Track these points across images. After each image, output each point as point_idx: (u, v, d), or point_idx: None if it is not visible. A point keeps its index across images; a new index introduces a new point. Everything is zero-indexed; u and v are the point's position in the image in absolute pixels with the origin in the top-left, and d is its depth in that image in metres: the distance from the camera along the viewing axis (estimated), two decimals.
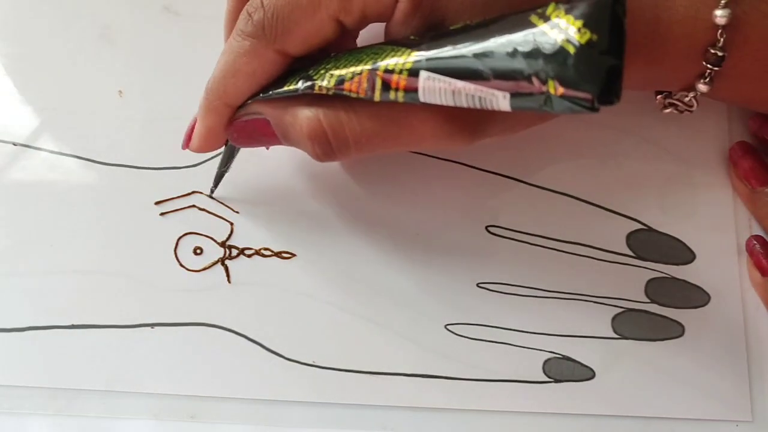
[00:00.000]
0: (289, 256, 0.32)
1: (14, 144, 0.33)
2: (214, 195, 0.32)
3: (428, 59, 0.22)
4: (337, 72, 0.24)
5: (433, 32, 0.24)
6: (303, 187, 0.33)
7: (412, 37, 0.24)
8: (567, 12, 0.19)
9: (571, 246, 0.32)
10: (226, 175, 0.32)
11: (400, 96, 0.22)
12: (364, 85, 0.23)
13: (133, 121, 0.33)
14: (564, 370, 0.31)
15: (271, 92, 0.26)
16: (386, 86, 0.23)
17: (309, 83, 0.24)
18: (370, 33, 0.28)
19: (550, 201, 0.33)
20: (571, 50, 0.19)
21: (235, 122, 0.27)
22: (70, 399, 0.30)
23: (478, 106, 0.21)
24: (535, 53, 0.19)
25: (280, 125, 0.26)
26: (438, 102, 0.22)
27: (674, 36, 0.26)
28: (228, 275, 0.31)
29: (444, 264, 0.32)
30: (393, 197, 0.32)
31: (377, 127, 0.24)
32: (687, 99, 0.29)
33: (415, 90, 0.22)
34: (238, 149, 0.31)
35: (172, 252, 0.32)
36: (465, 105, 0.22)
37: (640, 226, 0.32)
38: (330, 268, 0.32)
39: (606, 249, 0.32)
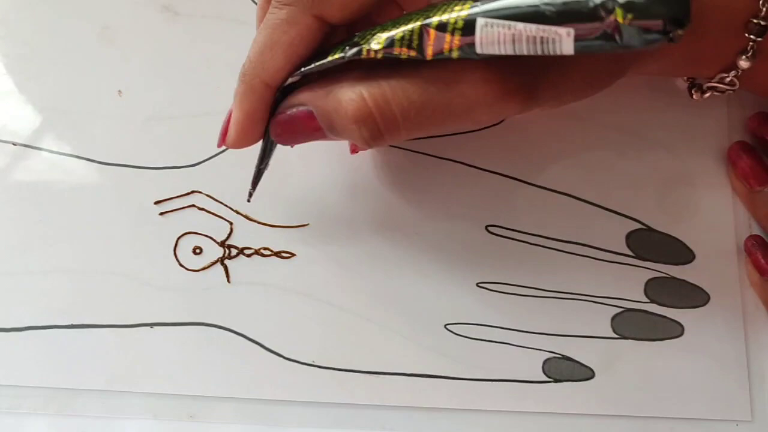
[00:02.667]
0: (288, 255, 0.32)
1: (14, 144, 0.33)
2: (250, 198, 0.30)
3: (485, 9, 0.21)
4: (386, 34, 0.23)
5: None
6: (303, 186, 0.33)
7: None
8: None
9: (571, 246, 0.32)
10: (227, 171, 0.31)
11: (455, 51, 0.21)
12: (416, 42, 0.22)
13: (133, 121, 0.33)
14: (563, 370, 0.31)
15: (313, 65, 0.25)
16: (440, 40, 0.21)
17: (356, 49, 0.23)
18: None
19: (550, 201, 0.33)
20: None
21: (278, 117, 0.26)
22: (69, 399, 0.30)
23: (539, 51, 0.20)
24: None
25: (323, 114, 0.25)
26: (496, 52, 0.21)
27: (715, 7, 0.26)
28: (227, 275, 0.31)
29: (444, 264, 0.32)
30: (393, 197, 0.32)
31: (425, 98, 0.23)
32: (728, 79, 0.29)
33: (472, 43, 0.21)
34: (276, 144, 0.28)
35: (172, 252, 0.32)
36: (525, 52, 0.20)
37: (640, 226, 0.32)
38: (330, 268, 0.32)
39: (605, 249, 0.32)
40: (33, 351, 0.30)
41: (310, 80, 0.26)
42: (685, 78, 0.32)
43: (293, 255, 0.32)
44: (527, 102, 0.24)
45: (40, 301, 0.31)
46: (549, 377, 0.31)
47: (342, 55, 0.24)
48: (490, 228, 0.32)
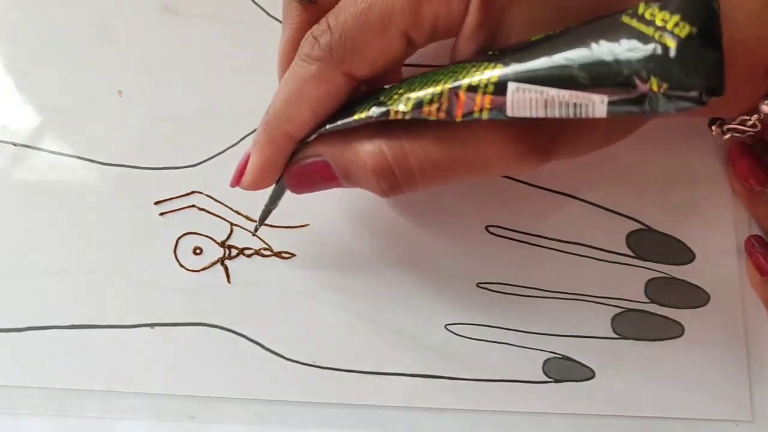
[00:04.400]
0: (288, 256, 0.32)
1: (14, 144, 0.33)
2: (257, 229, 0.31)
3: (516, 71, 0.21)
4: (414, 95, 0.23)
5: (512, 46, 0.23)
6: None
7: (490, 53, 0.23)
8: (661, 8, 0.19)
9: (571, 246, 0.32)
10: (227, 171, 0.31)
11: (485, 112, 0.21)
12: (445, 105, 0.22)
13: (133, 121, 0.33)
14: (564, 370, 0.31)
15: (339, 122, 0.25)
16: (470, 102, 0.21)
17: (383, 109, 0.23)
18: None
19: (550, 201, 0.33)
20: (672, 45, 0.18)
21: (294, 167, 0.26)
22: (69, 399, 0.30)
23: (571, 115, 0.20)
24: (633, 52, 0.19)
25: (341, 164, 0.25)
26: (527, 115, 0.21)
27: (736, 55, 0.25)
28: (228, 275, 0.31)
29: (444, 264, 0.32)
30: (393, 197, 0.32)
31: (443, 154, 0.24)
32: (749, 122, 0.28)
33: (502, 105, 0.21)
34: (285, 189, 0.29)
35: (172, 252, 0.32)
36: (557, 115, 0.21)
37: (640, 226, 0.33)
38: (330, 268, 0.32)
39: (606, 249, 0.32)
40: (33, 351, 0.30)
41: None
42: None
43: (293, 255, 0.32)
44: (544, 161, 0.24)
45: (40, 301, 0.31)
46: (549, 377, 0.31)
47: (369, 115, 0.24)
48: (490, 228, 0.32)
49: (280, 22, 0.29)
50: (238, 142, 0.33)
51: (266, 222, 0.31)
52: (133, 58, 0.34)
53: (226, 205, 0.32)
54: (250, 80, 0.33)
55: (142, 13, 0.35)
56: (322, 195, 0.32)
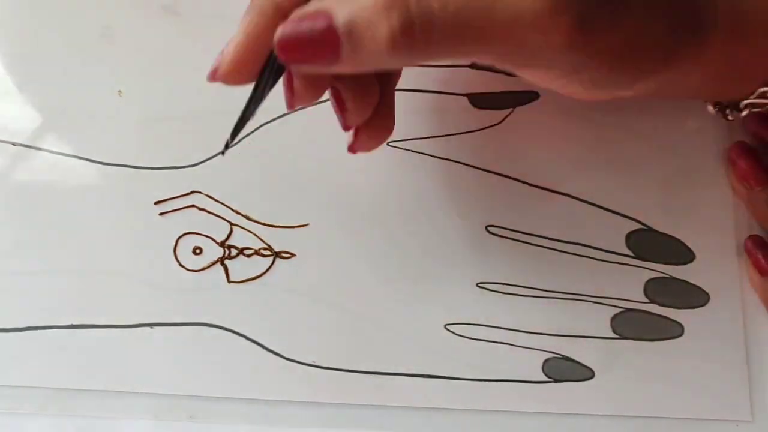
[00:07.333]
0: (288, 256, 0.32)
1: (14, 144, 0.33)
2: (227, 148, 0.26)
3: None
4: None
5: None
6: (302, 186, 0.33)
7: None
8: None
9: (571, 246, 0.32)
10: (227, 171, 0.31)
11: None
12: None
13: (133, 121, 0.33)
14: (563, 370, 0.31)
15: None
16: None
17: None
18: None
19: (549, 201, 0.33)
20: None
21: (287, 30, 0.21)
22: (69, 399, 0.30)
23: None
24: None
25: (344, 11, 0.21)
26: None
27: (757, 9, 0.24)
28: (227, 275, 0.31)
29: (444, 264, 0.32)
30: (392, 197, 0.32)
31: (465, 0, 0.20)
32: None
33: None
34: (269, 89, 0.24)
35: (172, 252, 0.32)
36: None
37: (640, 226, 0.32)
38: (330, 268, 0.32)
39: (605, 249, 0.32)
40: (33, 351, 0.30)
41: None
42: (714, 105, 0.30)
43: (293, 255, 0.32)
44: (578, 32, 0.21)
45: (40, 301, 0.31)
46: (549, 377, 0.31)
47: None
48: (489, 228, 0.32)
49: None
50: (238, 141, 0.33)
51: (266, 222, 0.31)
52: (133, 58, 0.34)
53: (226, 205, 0.32)
54: None
55: (142, 13, 0.35)
56: (323, 195, 0.32)
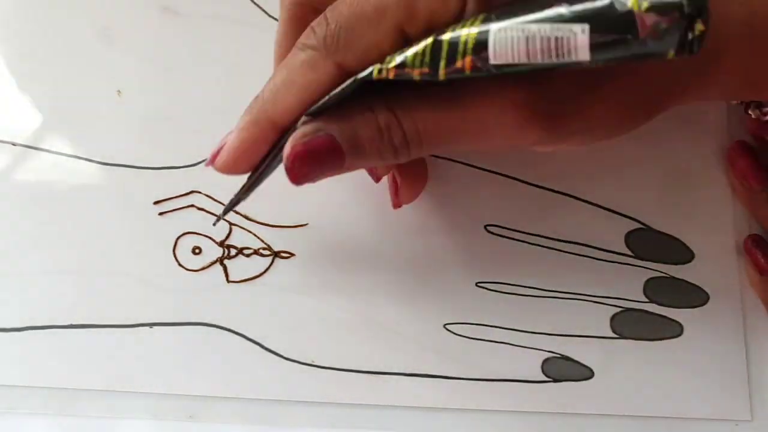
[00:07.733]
0: (288, 255, 0.32)
1: (14, 144, 0.33)
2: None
3: (499, 14, 0.20)
4: (398, 56, 0.22)
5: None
6: (302, 186, 0.32)
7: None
8: None
9: (570, 245, 0.32)
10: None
11: (467, 61, 0.20)
12: (428, 58, 0.21)
13: (132, 121, 0.33)
14: (563, 370, 0.31)
15: (321, 102, 0.24)
16: (453, 53, 0.21)
17: (367, 71, 0.22)
18: None
19: (549, 201, 0.33)
20: None
21: (297, 148, 0.24)
22: (69, 399, 0.30)
23: (554, 57, 0.20)
24: None
25: (347, 132, 0.24)
26: (510, 61, 0.20)
27: None
28: (227, 275, 0.32)
29: (443, 263, 0.32)
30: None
31: (445, 115, 0.23)
32: None
33: (486, 57, 0.20)
34: (262, 179, 0.27)
35: (171, 252, 0.32)
36: (540, 59, 0.20)
37: (639, 226, 0.32)
38: (330, 268, 0.32)
39: (605, 248, 0.32)
40: (33, 351, 0.30)
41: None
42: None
43: (293, 255, 0.32)
44: (550, 132, 0.23)
45: (40, 301, 0.31)
46: (548, 377, 0.31)
47: (353, 78, 0.23)
48: (489, 228, 0.32)
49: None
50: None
51: (266, 222, 0.31)
52: (133, 58, 0.34)
53: (225, 205, 0.32)
54: (250, 80, 0.33)
55: (142, 13, 0.35)
56: (322, 195, 0.32)
